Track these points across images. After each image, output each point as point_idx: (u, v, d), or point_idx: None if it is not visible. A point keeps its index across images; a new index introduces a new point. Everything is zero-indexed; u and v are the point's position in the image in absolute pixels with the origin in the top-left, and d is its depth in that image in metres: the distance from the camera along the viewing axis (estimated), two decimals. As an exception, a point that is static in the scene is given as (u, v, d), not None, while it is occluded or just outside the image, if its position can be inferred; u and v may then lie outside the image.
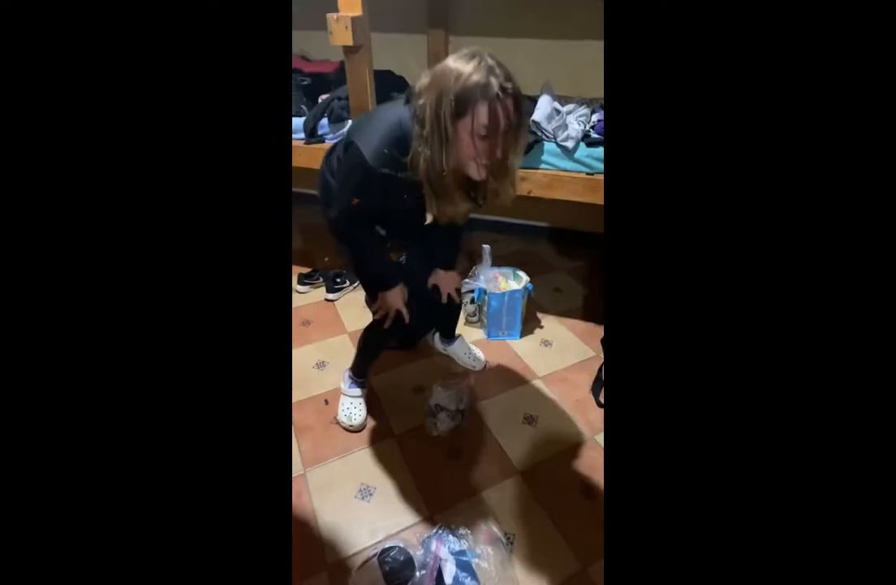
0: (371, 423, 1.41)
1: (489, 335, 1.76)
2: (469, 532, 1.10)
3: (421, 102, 0.81)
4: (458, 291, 1.38)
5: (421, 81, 0.84)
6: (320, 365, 1.63)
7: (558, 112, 1.61)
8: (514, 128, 0.82)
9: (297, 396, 1.50)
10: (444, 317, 1.58)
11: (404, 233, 1.22)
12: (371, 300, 1.23)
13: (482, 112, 0.77)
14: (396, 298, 1.17)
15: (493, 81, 0.75)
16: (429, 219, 0.99)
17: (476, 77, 0.75)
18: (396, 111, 0.89)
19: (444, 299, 1.35)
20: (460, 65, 0.76)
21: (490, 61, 0.77)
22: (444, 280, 1.32)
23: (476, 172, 0.88)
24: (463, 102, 0.76)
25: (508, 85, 0.77)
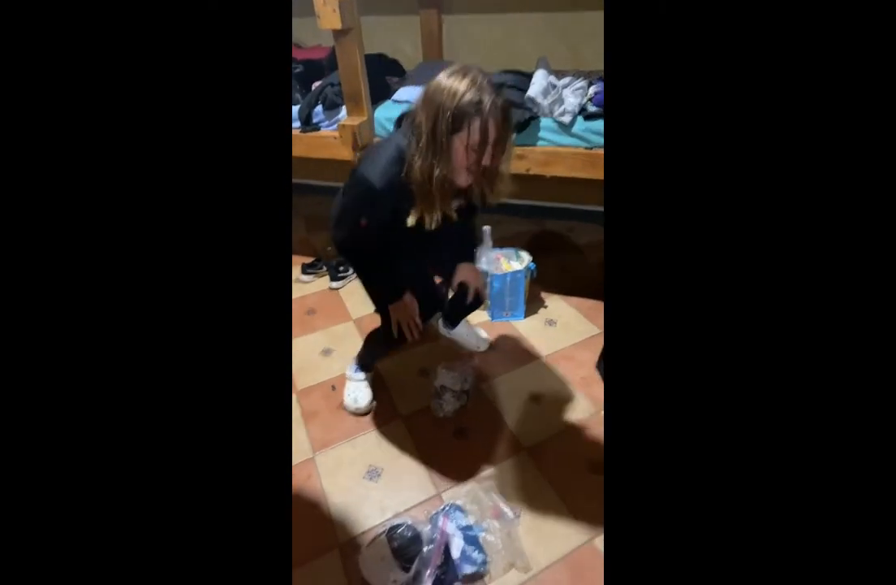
0: (378, 407, 1.42)
1: (493, 317, 1.75)
2: (476, 507, 1.11)
3: (417, 117, 0.89)
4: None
5: (416, 99, 0.91)
6: (326, 352, 1.65)
7: (554, 87, 1.57)
8: (504, 138, 0.90)
9: (304, 382, 1.53)
10: (454, 306, 1.57)
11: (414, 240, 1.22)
12: (379, 312, 1.25)
13: (476, 128, 0.85)
14: (408, 309, 1.18)
15: (486, 98, 0.84)
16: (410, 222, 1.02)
17: (469, 96, 0.83)
18: (394, 139, 0.98)
19: (471, 297, 1.34)
20: (454, 82, 0.84)
21: (480, 79, 0.85)
22: (471, 275, 1.30)
23: (464, 179, 0.97)
24: (459, 118, 0.84)
25: (498, 100, 0.85)
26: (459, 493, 1.16)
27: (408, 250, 1.22)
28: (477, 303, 1.46)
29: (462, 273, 1.29)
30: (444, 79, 0.85)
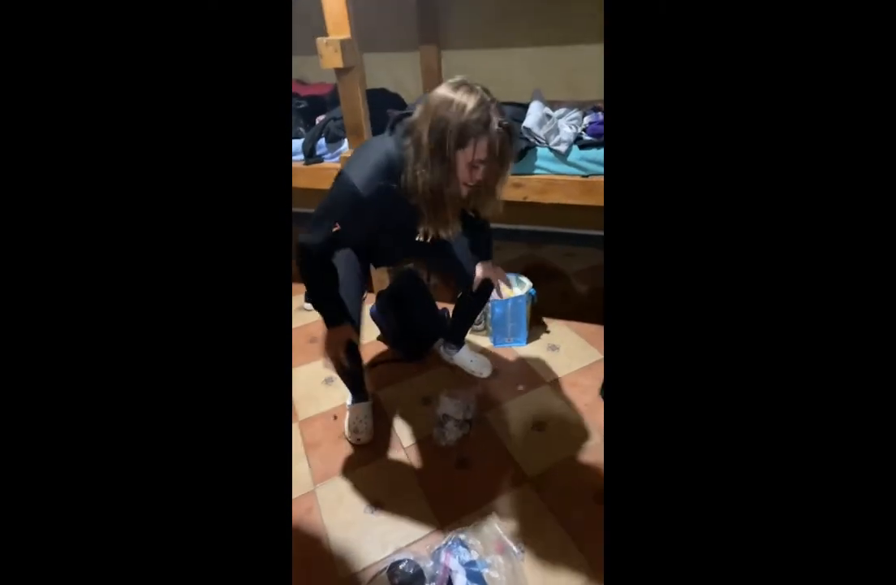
0: (379, 436, 1.41)
1: (495, 343, 1.75)
2: (479, 542, 1.08)
3: (418, 128, 0.87)
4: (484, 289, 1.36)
5: (417, 109, 0.89)
6: (328, 381, 1.64)
7: (549, 117, 1.62)
8: (506, 158, 0.90)
9: (305, 412, 1.52)
10: (457, 323, 1.58)
11: (409, 246, 1.22)
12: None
13: (482, 146, 0.85)
14: (337, 341, 1.11)
15: (494, 118, 0.83)
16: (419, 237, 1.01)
17: (478, 114, 0.82)
18: (382, 143, 0.96)
19: (501, 294, 1.34)
20: (462, 98, 0.83)
21: (487, 97, 0.85)
22: (493, 272, 1.30)
23: (465, 191, 0.95)
24: (465, 134, 0.83)
25: (504, 121, 0.85)
26: (462, 527, 1.13)
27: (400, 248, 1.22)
28: (480, 304, 1.47)
29: (484, 271, 1.30)
30: (449, 92, 0.84)
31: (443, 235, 1.00)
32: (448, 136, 0.83)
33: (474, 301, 1.44)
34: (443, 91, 0.85)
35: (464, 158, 0.86)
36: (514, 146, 0.90)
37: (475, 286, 1.33)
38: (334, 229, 0.98)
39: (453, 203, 0.94)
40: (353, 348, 1.17)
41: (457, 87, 0.85)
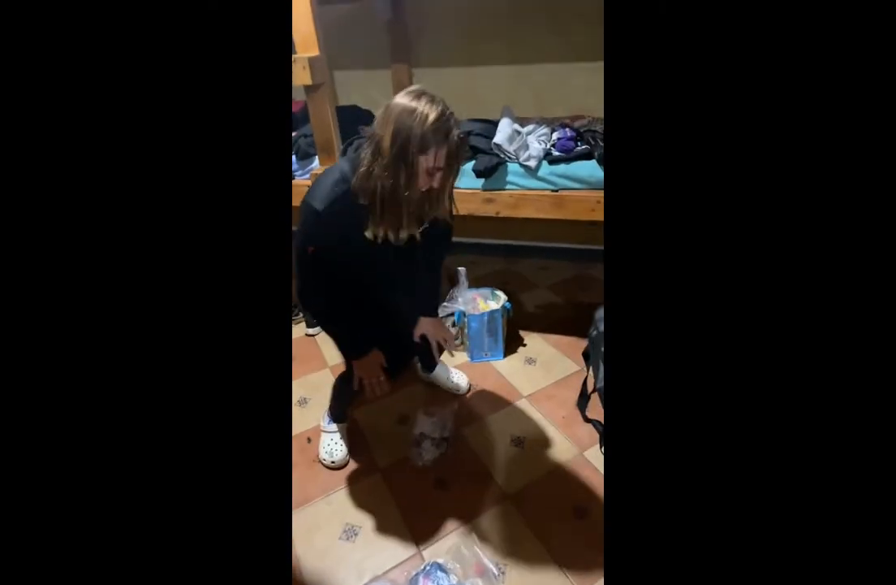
0: (355, 458, 1.37)
1: (472, 358, 1.74)
2: (458, 565, 1.05)
3: (380, 133, 0.89)
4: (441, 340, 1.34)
5: (378, 116, 0.91)
6: (302, 402, 1.60)
7: (519, 133, 1.64)
8: (457, 165, 0.94)
9: (279, 434, 1.47)
10: (423, 350, 1.56)
11: (375, 274, 1.21)
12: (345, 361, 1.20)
13: (442, 154, 0.88)
14: (373, 366, 1.13)
15: (454, 129, 0.87)
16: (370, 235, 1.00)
17: (439, 124, 0.86)
18: (337, 166, 0.99)
19: (435, 351, 1.33)
20: (423, 107, 0.86)
21: (446, 109, 0.88)
22: (430, 328, 1.29)
23: (422, 197, 0.98)
24: (426, 143, 0.86)
25: (462, 133, 0.89)
26: (441, 550, 1.10)
27: (376, 286, 1.20)
28: (440, 351, 1.43)
29: (422, 327, 1.28)
30: (411, 101, 0.86)
31: (392, 237, 1.00)
32: (411, 143, 0.86)
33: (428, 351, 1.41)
34: (404, 100, 0.87)
35: (424, 163, 0.89)
36: (464, 153, 0.95)
37: (417, 340, 1.31)
38: (309, 250, 0.99)
39: (408, 206, 0.96)
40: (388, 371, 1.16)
41: (418, 96, 0.87)
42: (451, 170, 0.93)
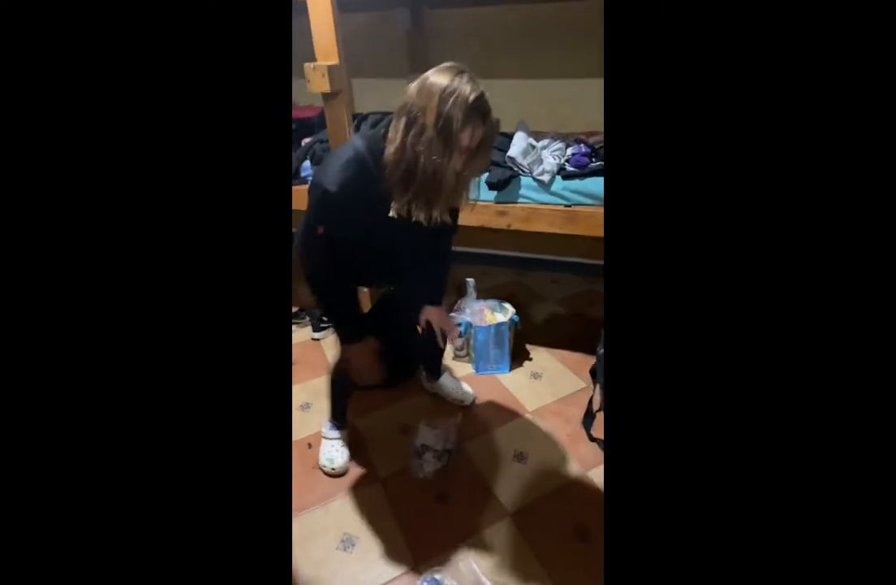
0: (355, 466, 1.36)
1: (477, 370, 1.72)
2: (455, 582, 1.03)
3: (423, 107, 0.85)
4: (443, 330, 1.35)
5: (410, 91, 0.87)
6: (305, 407, 1.60)
7: (533, 147, 1.64)
8: (488, 150, 0.93)
9: (280, 440, 1.46)
10: (428, 355, 1.56)
11: (384, 267, 1.21)
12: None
13: (478, 135, 0.87)
14: (365, 352, 1.11)
15: (489, 106, 0.87)
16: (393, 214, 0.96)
17: (478, 103, 0.85)
18: (349, 144, 0.96)
19: (440, 337, 1.32)
20: (464, 85, 0.84)
21: (482, 88, 0.87)
22: (434, 316, 1.29)
23: (454, 178, 0.95)
24: (467, 121, 0.84)
25: (496, 117, 0.89)
26: (438, 565, 1.09)
27: (380, 274, 1.20)
28: (437, 344, 1.43)
29: (430, 315, 1.28)
30: (450, 77, 0.84)
31: (423, 215, 0.96)
32: (454, 119, 0.83)
33: (428, 342, 1.41)
34: (445, 75, 0.85)
35: (464, 142, 0.87)
36: (494, 140, 0.94)
37: (421, 326, 1.31)
38: (319, 232, 0.97)
39: (447, 183, 0.92)
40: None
41: (458, 72, 0.85)
42: (483, 154, 0.91)
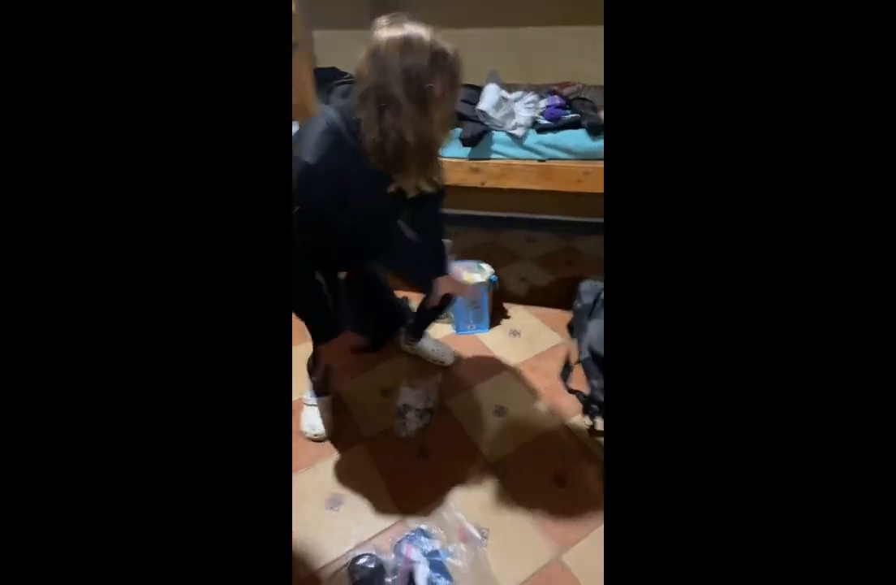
0: (339, 430, 1.37)
1: (458, 330, 1.73)
2: (442, 531, 1.08)
3: (382, 78, 0.79)
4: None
5: (366, 68, 0.81)
6: (285, 373, 1.59)
7: (505, 100, 1.59)
8: (460, 84, 0.86)
9: (262, 406, 1.46)
10: (419, 318, 1.55)
11: (366, 241, 1.16)
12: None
13: (446, 79, 0.81)
14: (340, 350, 1.07)
15: (447, 47, 0.80)
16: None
17: (436, 46, 0.79)
18: (322, 117, 0.90)
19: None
20: (412, 33, 0.78)
21: (427, 26, 0.80)
22: (451, 286, 1.27)
23: (442, 136, 0.91)
24: (433, 70, 0.79)
25: (454, 47, 0.82)
26: (424, 517, 1.13)
27: (365, 254, 1.16)
28: (441, 309, 1.44)
29: (446, 286, 1.27)
30: (395, 32, 0.78)
31: (428, 184, 0.95)
32: (420, 77, 0.78)
33: (435, 311, 1.42)
34: (387, 32, 0.78)
35: (436, 92, 0.81)
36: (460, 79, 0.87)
37: (434, 301, 1.30)
38: (295, 210, 0.87)
39: (438, 143, 0.89)
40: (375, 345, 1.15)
41: (399, 24, 0.79)
42: (456, 91, 0.86)
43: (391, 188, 0.92)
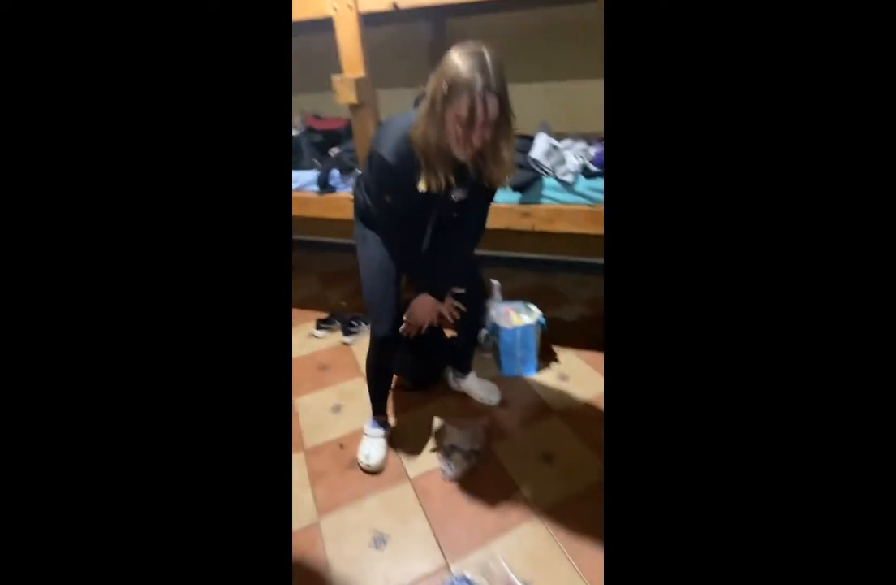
0: (386, 466, 1.38)
1: (504, 371, 1.73)
2: (485, 580, 1.04)
3: (428, 86, 0.96)
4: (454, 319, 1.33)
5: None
6: (336, 409, 1.63)
7: (556, 148, 1.65)
8: (496, 120, 0.94)
9: (312, 440, 1.50)
10: (457, 352, 1.57)
11: (419, 253, 1.24)
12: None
13: (464, 104, 0.91)
14: (426, 308, 1.25)
15: (479, 79, 0.88)
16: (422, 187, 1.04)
17: (466, 75, 0.89)
18: (405, 116, 1.06)
19: (408, 331, 1.31)
20: (460, 61, 0.90)
21: (486, 60, 0.90)
22: (420, 308, 1.27)
23: (461, 153, 1.02)
24: (452, 92, 0.90)
25: (493, 84, 0.90)
26: (468, 563, 1.09)
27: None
28: (470, 338, 1.50)
29: (413, 305, 1.28)
30: (454, 56, 0.91)
31: (441, 189, 1.04)
32: (440, 91, 0.91)
33: (468, 342, 1.49)
34: (450, 54, 0.92)
35: (451, 113, 0.93)
36: (505, 108, 0.95)
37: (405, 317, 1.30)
38: (386, 199, 1.10)
39: (446, 155, 1.00)
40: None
41: (462, 53, 0.91)
42: (488, 126, 0.94)
43: (420, 184, 1.03)
